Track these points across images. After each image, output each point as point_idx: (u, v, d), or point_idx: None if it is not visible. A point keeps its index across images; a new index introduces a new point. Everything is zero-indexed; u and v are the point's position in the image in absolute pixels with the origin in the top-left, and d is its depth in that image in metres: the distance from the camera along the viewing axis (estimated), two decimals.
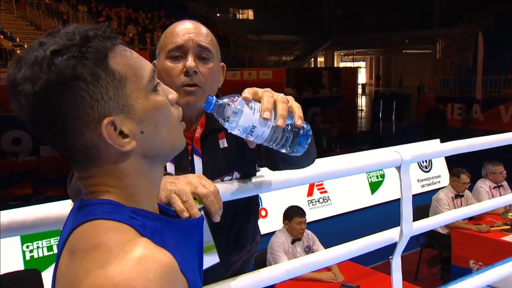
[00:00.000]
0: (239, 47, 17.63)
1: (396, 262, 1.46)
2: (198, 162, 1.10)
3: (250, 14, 28.40)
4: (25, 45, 12.71)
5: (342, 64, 30.73)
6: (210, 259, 1.09)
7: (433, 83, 16.36)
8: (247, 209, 1.20)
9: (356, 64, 28.71)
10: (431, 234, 4.24)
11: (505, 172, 4.45)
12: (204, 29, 1.13)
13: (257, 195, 1.22)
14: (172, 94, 0.70)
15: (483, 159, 4.64)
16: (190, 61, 1.07)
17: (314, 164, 1.15)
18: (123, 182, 0.64)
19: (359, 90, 20.74)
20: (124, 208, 0.62)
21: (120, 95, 0.62)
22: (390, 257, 1.48)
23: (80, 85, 0.59)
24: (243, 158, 1.14)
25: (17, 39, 12.91)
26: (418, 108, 15.35)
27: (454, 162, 5.18)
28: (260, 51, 18.14)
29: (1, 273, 2.89)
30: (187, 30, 1.10)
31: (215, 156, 1.12)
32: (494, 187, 4.42)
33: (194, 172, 1.09)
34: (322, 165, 1.26)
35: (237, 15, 27.26)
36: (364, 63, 33.04)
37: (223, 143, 1.13)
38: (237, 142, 1.11)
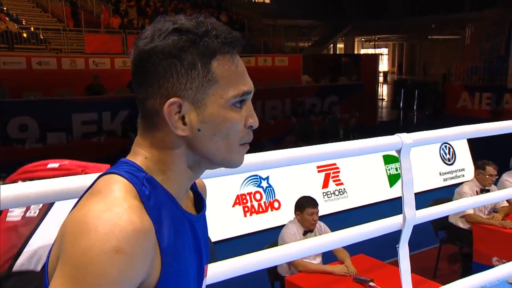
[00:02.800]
0: (254, 31, 17.55)
1: (403, 251, 1.48)
2: None
3: None
4: (32, 28, 12.92)
5: (363, 51, 30.37)
6: None
7: (461, 71, 16.09)
8: None
9: (378, 50, 28.34)
10: (451, 229, 4.23)
11: None
12: None
13: None
14: (253, 120, 0.77)
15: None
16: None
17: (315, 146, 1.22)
18: (163, 160, 0.75)
19: (381, 79, 20.52)
20: (142, 174, 0.73)
21: (202, 91, 0.73)
22: (397, 245, 1.50)
23: (175, 64, 0.71)
24: None
25: (23, 21, 13.08)
26: (443, 97, 15.15)
27: (480, 155, 5.13)
28: (276, 36, 18.02)
29: None
30: None
31: None
32: None
33: None
34: (323, 146, 1.28)
35: None
36: (387, 49, 32.61)
37: None
38: None
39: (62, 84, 10.76)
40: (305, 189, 5.28)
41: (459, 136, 1.67)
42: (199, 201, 0.86)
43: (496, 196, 2.72)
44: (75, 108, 9.64)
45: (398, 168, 6.63)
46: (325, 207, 5.85)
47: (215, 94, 0.73)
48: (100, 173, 0.75)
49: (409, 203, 1.52)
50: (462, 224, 4.16)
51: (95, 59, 11.98)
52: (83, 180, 0.99)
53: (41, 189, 1.00)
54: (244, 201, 5.50)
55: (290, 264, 3.19)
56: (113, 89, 10.79)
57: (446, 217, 4.21)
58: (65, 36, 12.95)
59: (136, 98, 0.75)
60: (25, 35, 12.18)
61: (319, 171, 6.15)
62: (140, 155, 0.75)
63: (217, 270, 1.17)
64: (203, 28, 0.72)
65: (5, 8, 13.09)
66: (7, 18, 12.35)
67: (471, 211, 4.07)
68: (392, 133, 1.67)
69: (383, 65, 28.72)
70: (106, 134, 9.61)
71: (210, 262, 1.38)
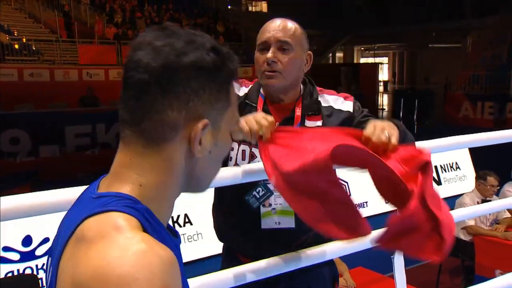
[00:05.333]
0: (251, 41, 17.68)
1: (398, 262, 1.51)
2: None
3: (263, 6, 28.38)
4: (24, 39, 12.99)
5: (362, 60, 30.56)
6: (288, 222, 1.49)
7: (462, 80, 16.20)
8: None
9: (377, 60, 28.53)
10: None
11: None
12: (289, 24, 1.54)
13: None
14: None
15: None
16: (270, 53, 1.49)
17: None
18: (161, 185, 0.71)
19: (381, 88, 20.64)
20: (140, 206, 0.68)
21: (221, 113, 0.74)
22: (392, 256, 1.53)
23: (210, 82, 0.71)
24: None
25: (15, 32, 13.16)
26: (445, 107, 15.25)
27: (482, 165, 5.15)
28: None
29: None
30: (272, 27, 1.54)
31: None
32: None
33: None
34: None
35: (250, 7, 27.30)
36: (387, 58, 32.82)
37: (315, 124, 1.55)
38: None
39: (55, 96, 10.82)
40: None
41: (461, 145, 1.70)
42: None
43: (497, 205, 2.73)
44: (68, 120, 9.67)
45: None
46: None
47: (228, 119, 0.75)
48: (82, 217, 0.66)
49: None
50: (463, 236, 4.18)
51: (88, 70, 12.05)
52: None
53: (46, 200, 1.03)
54: None
55: None
56: (107, 101, 10.84)
57: None
58: (58, 47, 13.04)
59: (138, 108, 0.69)
60: (16, 46, 12.27)
61: None
62: (132, 183, 0.70)
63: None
64: (226, 50, 0.74)
65: None
66: None
67: (472, 222, 4.09)
68: None
69: (383, 75, 28.89)
70: (100, 146, 9.63)
71: None
